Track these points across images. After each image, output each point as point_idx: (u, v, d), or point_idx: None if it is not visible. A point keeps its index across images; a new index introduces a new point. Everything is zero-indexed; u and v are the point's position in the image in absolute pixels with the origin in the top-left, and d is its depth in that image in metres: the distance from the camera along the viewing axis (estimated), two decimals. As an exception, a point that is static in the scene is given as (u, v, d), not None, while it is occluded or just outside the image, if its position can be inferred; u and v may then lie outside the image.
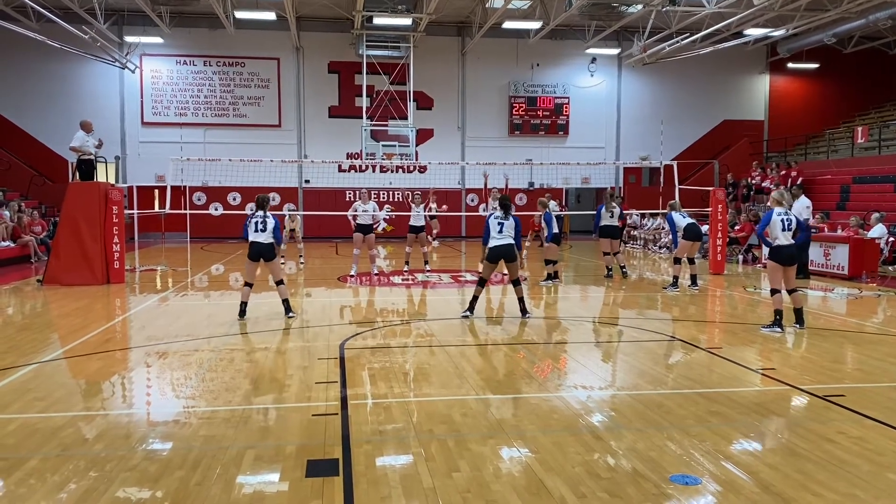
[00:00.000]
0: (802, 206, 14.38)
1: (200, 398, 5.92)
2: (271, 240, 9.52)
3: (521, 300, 9.68)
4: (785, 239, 8.69)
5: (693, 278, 12.83)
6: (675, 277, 12.77)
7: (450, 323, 9.45)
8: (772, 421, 5.29)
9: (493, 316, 10.10)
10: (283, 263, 16.67)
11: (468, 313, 9.62)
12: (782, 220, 8.72)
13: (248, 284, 9.80)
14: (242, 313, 9.62)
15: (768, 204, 10.58)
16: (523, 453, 4.57)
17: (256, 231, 9.52)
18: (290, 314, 9.70)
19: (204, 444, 4.74)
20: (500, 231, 9.54)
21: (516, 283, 9.72)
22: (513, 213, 9.74)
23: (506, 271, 10.17)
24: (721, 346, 7.88)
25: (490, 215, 9.77)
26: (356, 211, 14.26)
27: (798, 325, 8.85)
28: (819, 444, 4.73)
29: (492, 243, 9.52)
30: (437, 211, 19.47)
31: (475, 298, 9.71)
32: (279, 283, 9.82)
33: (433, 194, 15.89)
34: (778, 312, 8.69)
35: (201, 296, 12.60)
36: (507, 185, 16.46)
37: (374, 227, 14.66)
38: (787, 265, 8.75)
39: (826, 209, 20.14)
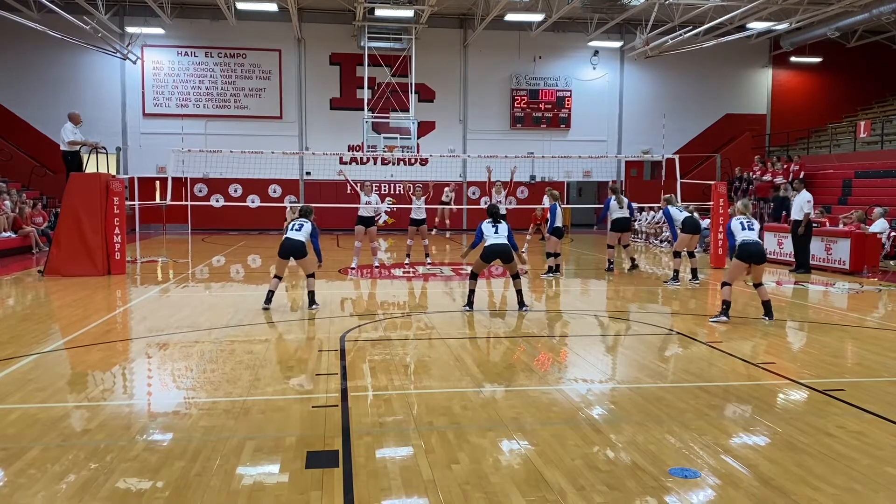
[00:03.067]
0: (803, 201, 14.32)
1: (201, 389, 5.93)
2: (303, 239, 9.70)
3: (518, 293, 9.73)
4: (746, 237, 8.98)
5: (693, 272, 12.83)
6: (676, 271, 12.76)
7: (450, 315, 9.46)
8: (771, 415, 5.29)
9: (494, 309, 10.11)
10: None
11: (468, 308, 9.64)
12: (741, 223, 9.13)
13: (278, 277, 9.93)
14: (268, 300, 9.73)
15: (730, 212, 11.40)
16: (523, 445, 4.57)
17: (291, 230, 9.80)
18: (314, 306, 9.78)
19: (204, 434, 4.75)
20: (496, 232, 9.57)
21: (516, 276, 9.79)
22: (503, 220, 9.88)
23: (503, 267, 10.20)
24: (721, 340, 7.88)
25: (482, 222, 9.80)
26: (362, 202, 14.19)
27: (767, 318, 9.00)
28: (818, 437, 4.73)
29: (488, 242, 9.53)
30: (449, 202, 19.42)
31: (472, 292, 9.76)
32: (310, 275, 9.95)
33: (432, 188, 15.88)
34: (726, 303, 8.96)
35: (202, 287, 12.62)
36: (512, 178, 16.47)
37: (376, 219, 14.67)
38: (755, 263, 9.00)
39: (828, 204, 20.12)
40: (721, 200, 15.37)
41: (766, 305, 9.09)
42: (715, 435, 4.78)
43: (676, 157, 18.06)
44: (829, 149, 25.57)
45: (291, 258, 9.73)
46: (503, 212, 15.19)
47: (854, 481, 4.05)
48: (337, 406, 5.37)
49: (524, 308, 9.63)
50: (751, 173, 24.29)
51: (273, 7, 23.65)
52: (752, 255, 8.91)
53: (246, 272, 15.12)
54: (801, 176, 21.56)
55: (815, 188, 21.50)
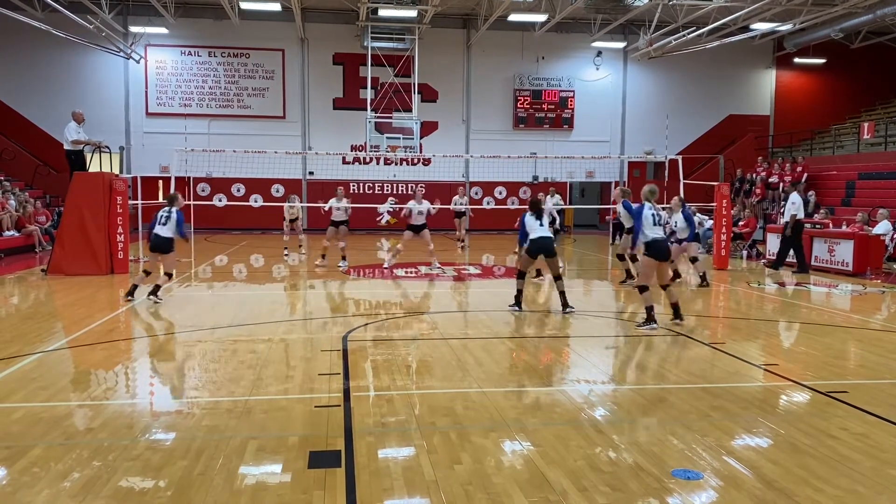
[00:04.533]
0: (790, 203, 14.74)
1: (203, 389, 5.94)
2: (170, 234, 10.12)
3: (562, 294, 9.56)
4: (656, 233, 8.54)
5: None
6: (676, 272, 12.49)
7: (452, 316, 9.46)
8: (774, 416, 5.29)
9: (499, 309, 10.09)
10: (286, 255, 16.68)
11: (517, 308, 9.56)
12: (653, 215, 8.60)
13: (146, 272, 10.41)
14: (130, 293, 10.21)
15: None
16: (525, 446, 4.57)
17: (158, 224, 10.21)
18: (153, 298, 10.00)
19: (207, 434, 4.76)
20: (541, 224, 9.41)
21: (557, 277, 9.63)
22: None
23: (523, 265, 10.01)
24: (724, 342, 7.87)
25: (524, 215, 9.60)
26: (411, 212, 13.96)
27: (678, 320, 8.69)
28: (821, 439, 4.73)
29: (533, 234, 9.39)
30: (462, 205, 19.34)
31: (520, 292, 9.66)
32: (167, 274, 10.53)
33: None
34: (650, 308, 8.54)
35: (205, 287, 12.62)
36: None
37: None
38: (662, 260, 8.60)
39: (831, 205, 20.08)
40: (724, 202, 15.34)
41: (676, 308, 8.75)
42: (717, 436, 4.77)
43: (679, 157, 18.04)
44: (832, 150, 25.52)
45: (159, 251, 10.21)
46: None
47: (857, 483, 4.04)
48: (339, 406, 5.37)
49: (568, 310, 9.46)
50: (753, 174, 24.25)
51: (276, 7, 23.66)
52: (661, 252, 8.54)
53: (248, 272, 15.13)
54: (803, 178, 21.52)
55: (819, 190, 21.48)
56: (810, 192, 21.20)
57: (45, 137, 24.51)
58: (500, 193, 27.76)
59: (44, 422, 4.97)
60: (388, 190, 26.42)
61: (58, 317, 9.32)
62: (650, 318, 8.51)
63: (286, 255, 17.03)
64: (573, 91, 27.98)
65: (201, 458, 4.31)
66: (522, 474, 4.12)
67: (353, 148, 26.23)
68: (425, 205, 14.00)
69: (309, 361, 6.84)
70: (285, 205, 17.03)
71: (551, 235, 9.38)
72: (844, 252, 14.40)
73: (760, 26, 24.09)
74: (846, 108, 28.64)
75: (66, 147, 13.93)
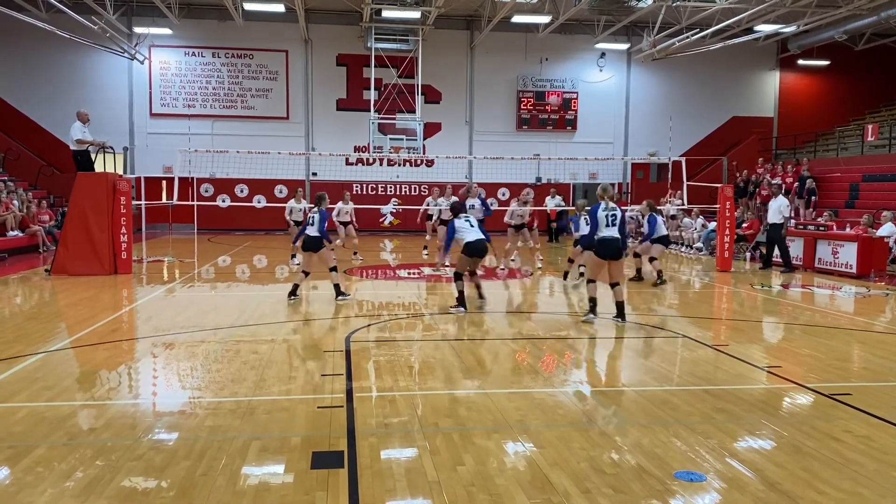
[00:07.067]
0: (782, 205, 14.96)
1: (206, 389, 5.94)
2: (317, 234, 10.45)
3: (478, 286, 10.19)
4: (609, 232, 8.77)
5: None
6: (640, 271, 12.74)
7: (455, 317, 9.45)
8: (777, 419, 5.28)
9: (500, 311, 10.10)
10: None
11: (462, 309, 9.56)
12: (607, 216, 8.79)
13: (305, 273, 10.60)
14: (293, 293, 10.42)
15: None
16: (528, 448, 4.57)
17: (308, 225, 10.59)
18: (339, 297, 10.38)
19: (210, 434, 4.76)
20: (472, 226, 9.81)
21: (473, 273, 10.14)
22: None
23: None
24: (728, 344, 7.86)
25: (453, 220, 9.90)
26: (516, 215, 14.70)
27: (619, 319, 8.88)
28: (825, 442, 4.71)
29: (468, 238, 9.64)
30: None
31: (462, 293, 9.67)
32: (331, 269, 10.58)
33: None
34: (592, 300, 8.95)
35: (208, 287, 12.65)
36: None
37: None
38: (610, 259, 8.88)
39: (835, 207, 20.03)
40: (728, 203, 15.31)
41: (619, 307, 8.93)
42: (721, 438, 4.76)
43: (683, 159, 18.03)
44: (836, 152, 25.46)
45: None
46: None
47: (860, 486, 4.03)
48: (342, 407, 5.38)
49: (479, 301, 10.02)
50: (756, 176, 24.20)
51: (280, 8, 23.68)
52: (610, 251, 8.79)
53: (251, 272, 15.15)
54: (807, 179, 21.47)
55: (823, 192, 21.42)
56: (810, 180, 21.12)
57: (49, 138, 24.59)
58: (504, 195, 27.75)
59: (47, 422, 4.98)
60: (391, 191, 26.43)
61: (61, 317, 9.33)
62: (591, 310, 8.98)
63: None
64: (577, 92, 27.98)
65: (204, 459, 4.32)
66: (525, 476, 4.12)
67: (357, 149, 26.25)
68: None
69: (312, 362, 6.85)
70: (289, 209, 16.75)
71: (485, 238, 9.73)
72: (848, 254, 14.37)
73: (764, 28, 24.05)
74: (850, 110, 28.58)
75: (72, 148, 13.96)
